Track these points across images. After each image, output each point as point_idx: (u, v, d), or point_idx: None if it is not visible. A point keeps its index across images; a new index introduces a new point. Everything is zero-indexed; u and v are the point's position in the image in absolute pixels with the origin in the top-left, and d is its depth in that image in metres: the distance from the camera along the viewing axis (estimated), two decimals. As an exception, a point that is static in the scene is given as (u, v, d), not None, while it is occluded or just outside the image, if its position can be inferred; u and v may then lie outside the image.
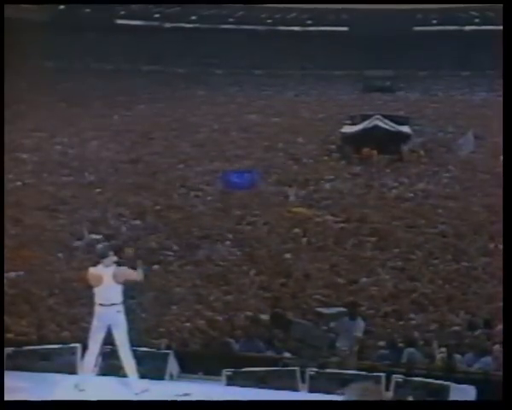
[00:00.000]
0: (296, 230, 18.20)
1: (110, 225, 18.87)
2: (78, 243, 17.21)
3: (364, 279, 14.88)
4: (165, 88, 40.44)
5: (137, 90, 39.92)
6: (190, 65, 44.16)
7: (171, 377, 8.30)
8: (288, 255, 16.47)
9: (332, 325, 10.84)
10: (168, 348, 9.81)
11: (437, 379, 8.48)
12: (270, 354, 10.67)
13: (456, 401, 7.35)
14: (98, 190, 22.23)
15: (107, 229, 18.51)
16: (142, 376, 7.89)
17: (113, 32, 46.70)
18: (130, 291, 8.39)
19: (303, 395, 7.85)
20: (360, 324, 10.58)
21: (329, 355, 10.10)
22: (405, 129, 26.64)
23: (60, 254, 16.39)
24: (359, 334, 10.45)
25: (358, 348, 10.48)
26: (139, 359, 8.00)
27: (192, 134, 30.46)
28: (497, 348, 10.38)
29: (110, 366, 8.07)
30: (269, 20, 49.24)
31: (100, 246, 8.46)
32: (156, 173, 24.31)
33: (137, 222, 19.12)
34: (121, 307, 7.83)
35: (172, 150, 27.67)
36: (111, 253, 8.01)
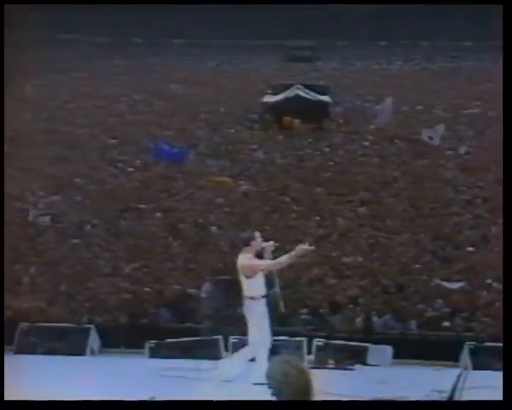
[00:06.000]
0: (219, 200, 18.21)
1: (27, 200, 18.28)
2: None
3: (287, 247, 15.05)
4: (83, 57, 39.22)
5: (54, 59, 38.51)
6: (109, 34, 42.96)
7: (93, 353, 8.19)
8: (211, 226, 16.48)
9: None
10: (90, 322, 9.67)
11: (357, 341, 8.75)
12: (192, 324, 10.69)
13: (457, 401, 7.29)
14: (14, 163, 21.40)
15: (24, 204, 17.93)
16: (61, 352, 7.74)
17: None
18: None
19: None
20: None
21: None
22: (325, 98, 26.93)
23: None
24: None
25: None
26: (60, 335, 7.84)
27: (112, 104, 29.73)
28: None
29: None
30: (189, -12, 48.39)
31: (244, 234, 7.93)
32: (75, 145, 23.63)
33: (56, 197, 18.59)
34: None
35: (91, 121, 26.93)
36: (254, 241, 7.51)
